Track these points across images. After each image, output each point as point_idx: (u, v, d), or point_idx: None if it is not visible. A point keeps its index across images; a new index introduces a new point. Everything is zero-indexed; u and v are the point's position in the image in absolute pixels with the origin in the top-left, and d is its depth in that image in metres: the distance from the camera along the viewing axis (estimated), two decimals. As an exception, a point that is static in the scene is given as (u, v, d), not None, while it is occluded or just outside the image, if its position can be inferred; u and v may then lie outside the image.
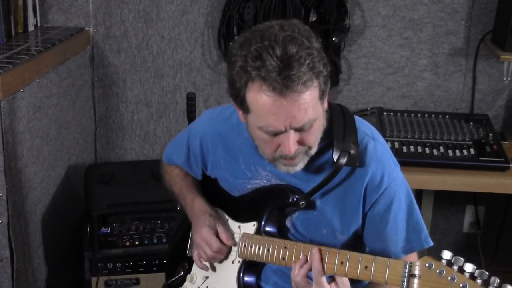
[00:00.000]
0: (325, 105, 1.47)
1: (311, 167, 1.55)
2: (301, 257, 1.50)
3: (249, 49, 1.36)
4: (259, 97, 1.37)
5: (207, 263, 1.73)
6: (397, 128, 2.71)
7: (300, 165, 1.49)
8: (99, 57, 3.00)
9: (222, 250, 1.67)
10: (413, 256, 1.58)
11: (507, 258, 3.11)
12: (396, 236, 1.55)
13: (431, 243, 1.58)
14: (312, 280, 1.49)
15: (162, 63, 3.01)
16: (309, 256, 1.48)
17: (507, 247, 3.13)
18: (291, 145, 1.41)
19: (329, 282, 1.47)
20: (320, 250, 1.46)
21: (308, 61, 1.34)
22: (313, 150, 1.49)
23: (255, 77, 1.35)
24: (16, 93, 2.18)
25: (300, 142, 1.44)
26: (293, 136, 1.41)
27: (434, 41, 2.94)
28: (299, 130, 1.41)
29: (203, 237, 1.67)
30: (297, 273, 1.49)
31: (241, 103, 1.43)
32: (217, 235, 1.67)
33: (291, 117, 1.37)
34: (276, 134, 1.42)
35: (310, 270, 1.48)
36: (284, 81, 1.33)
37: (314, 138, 1.47)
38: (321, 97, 1.42)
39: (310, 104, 1.38)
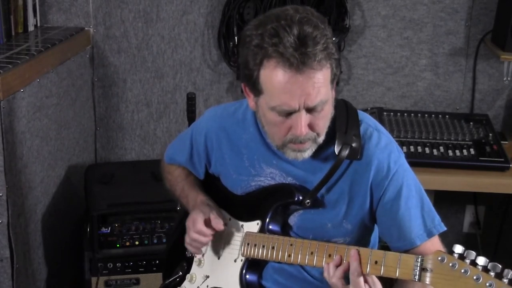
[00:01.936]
0: (334, 92, 1.49)
1: (317, 159, 1.56)
2: (335, 257, 1.46)
3: (265, 28, 1.39)
4: (275, 74, 1.39)
5: (203, 249, 1.71)
6: (397, 128, 2.71)
7: (308, 152, 1.49)
8: (99, 57, 3.00)
9: (203, 232, 1.63)
10: (436, 241, 1.57)
11: (507, 258, 3.11)
12: (409, 222, 1.54)
13: (445, 228, 1.58)
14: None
15: (162, 63, 3.01)
16: (344, 257, 1.45)
17: (507, 247, 3.13)
18: (302, 126, 1.42)
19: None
20: (358, 251, 1.43)
21: (322, 41, 1.38)
22: (321, 138, 1.50)
23: (271, 53, 1.38)
24: (16, 93, 2.18)
25: (311, 127, 1.45)
26: (304, 117, 1.42)
27: (434, 41, 2.94)
28: (311, 111, 1.43)
29: (191, 217, 1.67)
30: (333, 274, 1.45)
31: (254, 84, 1.44)
32: (208, 222, 1.64)
33: (305, 94, 1.39)
34: (288, 114, 1.43)
35: (346, 270, 1.44)
36: (301, 57, 1.35)
37: (323, 124, 1.48)
38: (332, 81, 1.44)
39: (323, 84, 1.40)
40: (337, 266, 1.46)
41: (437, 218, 1.59)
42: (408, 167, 1.59)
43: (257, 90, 1.45)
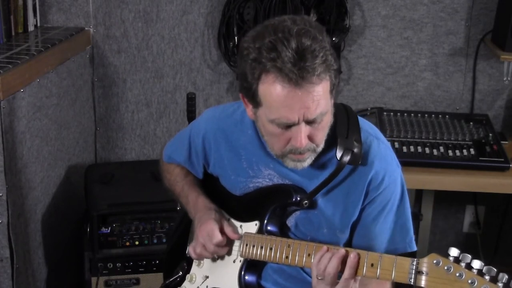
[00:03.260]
0: (333, 101, 1.49)
1: (315, 164, 1.55)
2: (339, 251, 1.45)
3: (262, 41, 1.38)
4: (273, 88, 1.38)
5: (206, 254, 1.70)
6: (397, 128, 2.71)
7: (307, 161, 1.50)
8: (99, 57, 3.00)
9: (223, 244, 1.66)
10: None
11: (507, 258, 3.11)
12: (382, 235, 1.57)
13: (415, 248, 1.59)
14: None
15: (162, 63, 3.01)
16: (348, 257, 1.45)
17: (507, 247, 3.13)
18: (302, 138, 1.42)
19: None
20: (358, 255, 1.43)
21: (321, 54, 1.36)
22: (320, 148, 1.50)
23: (270, 69, 1.37)
24: (16, 93, 2.18)
25: (310, 138, 1.45)
26: (304, 129, 1.42)
27: (434, 41, 2.94)
28: (310, 123, 1.42)
29: (208, 229, 1.65)
30: (328, 264, 1.44)
31: (253, 97, 1.44)
32: (221, 230, 1.65)
33: (305, 107, 1.38)
34: (288, 126, 1.43)
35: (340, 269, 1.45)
36: (299, 72, 1.34)
37: (322, 136, 1.48)
38: (332, 91, 1.44)
39: (322, 97, 1.39)
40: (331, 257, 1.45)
41: (410, 236, 1.59)
42: (401, 180, 1.59)
43: (256, 102, 1.45)
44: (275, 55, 1.35)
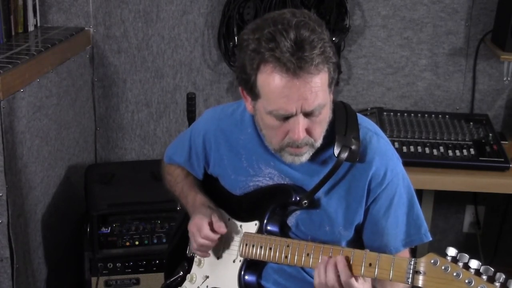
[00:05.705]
0: (332, 96, 1.49)
1: (315, 162, 1.56)
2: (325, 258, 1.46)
3: (262, 33, 1.39)
4: (272, 78, 1.39)
5: (209, 251, 1.69)
6: (397, 128, 2.71)
7: (305, 156, 1.50)
8: (99, 57, 3.00)
9: (210, 238, 1.64)
10: (406, 252, 1.59)
11: (507, 258, 3.11)
12: (396, 230, 1.56)
13: (430, 238, 1.59)
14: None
15: (162, 63, 3.01)
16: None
17: (507, 247, 3.13)
18: (300, 130, 1.43)
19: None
20: (346, 258, 1.42)
21: (319, 45, 1.37)
22: (318, 143, 1.50)
23: (268, 58, 1.37)
24: (16, 93, 2.18)
25: (308, 132, 1.45)
26: (302, 121, 1.43)
27: (434, 41, 2.94)
28: (308, 115, 1.43)
29: (195, 223, 1.66)
30: (324, 275, 1.44)
31: (251, 88, 1.44)
32: (211, 225, 1.64)
33: (303, 98, 1.39)
34: (286, 118, 1.43)
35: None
36: (297, 62, 1.35)
37: (320, 130, 1.48)
38: (330, 84, 1.44)
39: (320, 88, 1.40)
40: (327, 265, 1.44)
41: (424, 227, 1.59)
42: (404, 174, 1.60)
43: (254, 94, 1.45)
44: (273, 45, 1.36)
